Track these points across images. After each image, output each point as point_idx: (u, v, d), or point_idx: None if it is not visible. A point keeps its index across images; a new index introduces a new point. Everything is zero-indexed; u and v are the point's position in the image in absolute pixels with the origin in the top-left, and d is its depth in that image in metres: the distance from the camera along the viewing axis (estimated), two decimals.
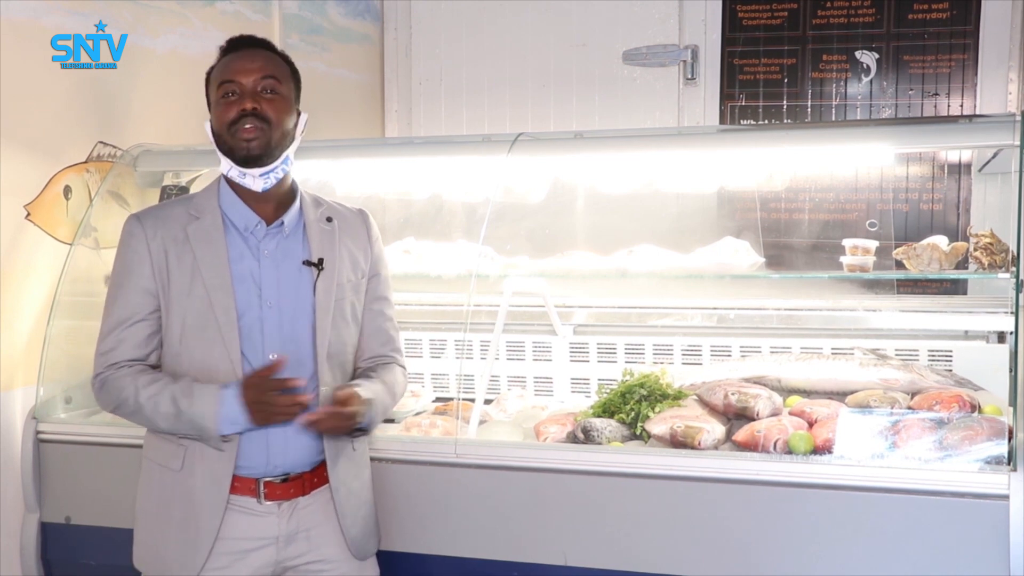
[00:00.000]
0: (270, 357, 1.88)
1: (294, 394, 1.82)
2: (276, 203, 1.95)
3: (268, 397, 1.81)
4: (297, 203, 1.97)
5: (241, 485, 1.90)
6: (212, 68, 1.95)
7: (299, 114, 1.98)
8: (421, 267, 2.81)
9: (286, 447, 1.90)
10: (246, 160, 1.88)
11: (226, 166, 1.92)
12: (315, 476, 1.96)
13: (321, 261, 1.94)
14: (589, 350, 3.06)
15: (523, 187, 2.93)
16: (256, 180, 1.90)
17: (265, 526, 1.91)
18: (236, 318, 1.87)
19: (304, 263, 1.93)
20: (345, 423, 1.86)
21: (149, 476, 1.97)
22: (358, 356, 2.05)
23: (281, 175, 1.93)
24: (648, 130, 3.68)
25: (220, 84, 1.89)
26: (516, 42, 4.23)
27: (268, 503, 1.91)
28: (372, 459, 2.14)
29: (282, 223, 1.94)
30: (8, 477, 2.67)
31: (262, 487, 1.90)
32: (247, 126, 1.86)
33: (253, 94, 1.87)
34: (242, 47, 1.93)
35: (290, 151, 1.94)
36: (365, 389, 1.91)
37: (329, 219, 2.00)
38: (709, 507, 2.20)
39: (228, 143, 1.89)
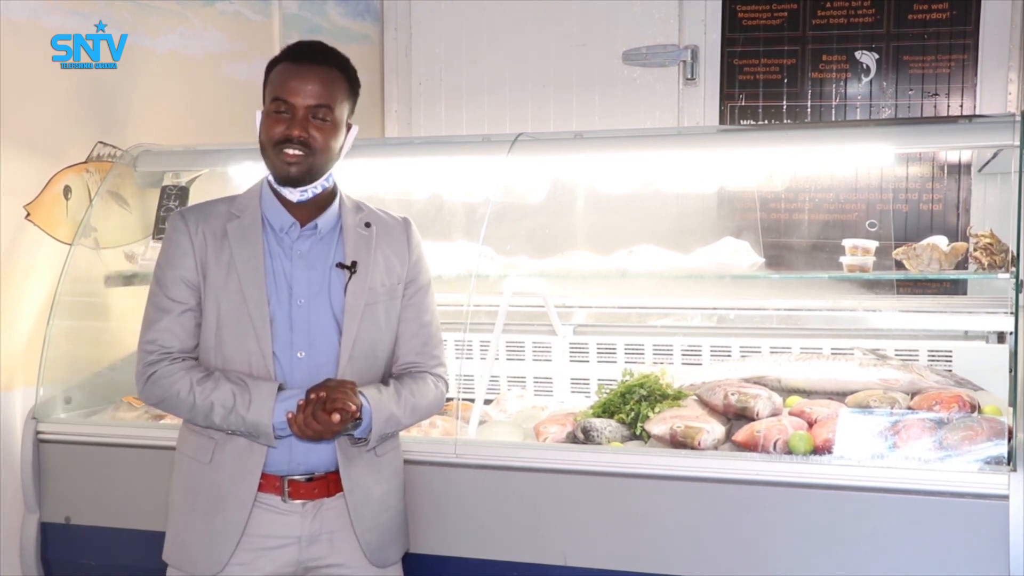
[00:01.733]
0: (298, 355, 1.90)
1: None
2: (316, 207, 1.96)
3: (317, 423, 1.81)
4: (335, 206, 1.98)
5: (266, 482, 1.91)
6: (274, 63, 1.93)
7: (349, 128, 1.98)
8: None
9: (308, 446, 1.91)
10: (284, 181, 1.91)
11: (268, 171, 1.95)
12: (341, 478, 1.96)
13: (354, 264, 1.94)
14: (589, 350, 3.06)
15: (523, 187, 2.93)
16: (293, 193, 1.93)
17: (288, 524, 1.92)
18: (268, 313, 1.89)
19: (337, 265, 1.94)
20: (322, 427, 1.81)
21: (179, 469, 1.99)
22: (393, 362, 2.04)
23: (319, 190, 1.95)
24: (648, 130, 3.68)
25: (274, 99, 1.89)
26: (516, 42, 4.23)
27: (293, 502, 1.92)
28: None
29: (316, 225, 1.95)
30: (8, 477, 2.67)
31: (287, 485, 1.91)
32: (290, 151, 1.87)
33: (303, 122, 1.87)
34: (304, 60, 1.90)
35: (333, 167, 1.96)
36: (368, 393, 1.89)
37: (367, 224, 2.01)
38: (709, 507, 2.20)
39: (271, 158, 1.91)
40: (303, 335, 1.91)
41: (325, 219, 1.96)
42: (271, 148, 1.89)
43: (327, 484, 1.94)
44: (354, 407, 1.83)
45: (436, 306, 2.10)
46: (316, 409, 1.80)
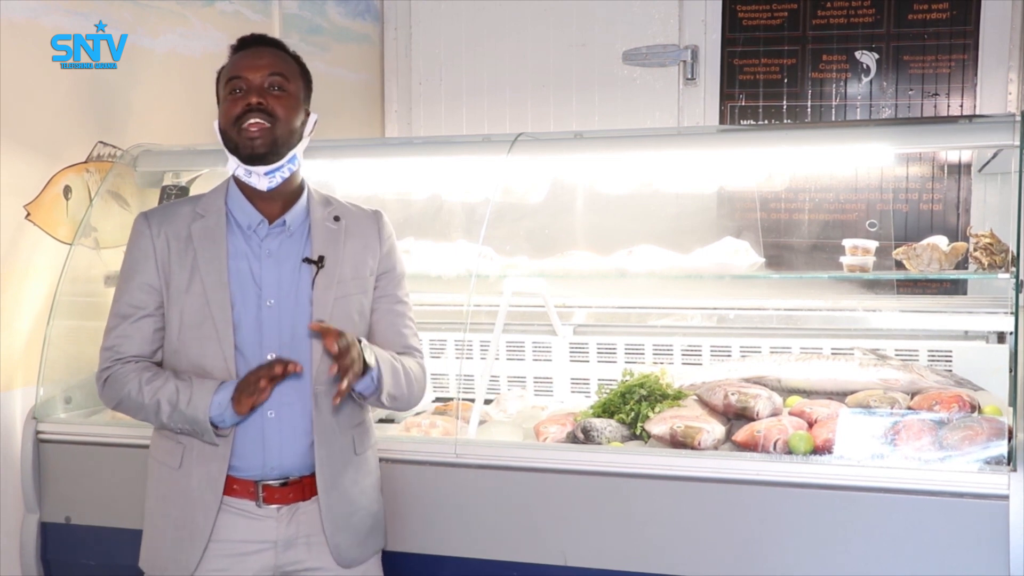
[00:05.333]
0: (268, 357, 1.88)
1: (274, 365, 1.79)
2: (283, 202, 1.94)
3: (249, 377, 1.81)
4: (303, 202, 1.96)
5: (240, 488, 1.89)
6: (223, 67, 1.95)
7: (308, 114, 1.97)
8: (421, 267, 2.81)
9: (282, 448, 1.90)
10: (251, 158, 1.87)
11: (232, 164, 1.92)
12: (316, 482, 1.94)
13: (322, 259, 1.92)
14: (589, 350, 3.06)
15: (523, 187, 2.93)
16: (262, 179, 1.90)
17: (263, 529, 1.91)
18: (232, 316, 1.87)
19: (304, 260, 1.92)
20: (350, 352, 1.77)
21: (151, 474, 1.98)
22: None
23: (287, 174, 1.92)
24: (648, 130, 3.68)
25: (228, 81, 1.90)
26: (516, 42, 4.23)
27: (267, 507, 1.90)
28: None
29: (284, 222, 1.93)
30: (8, 477, 2.67)
31: (260, 490, 1.90)
32: (252, 121, 1.85)
33: (260, 90, 1.87)
34: (251, 45, 1.94)
35: (298, 150, 1.94)
36: (368, 348, 1.86)
37: (337, 218, 1.99)
38: (709, 507, 2.20)
39: (234, 139, 1.88)
40: (273, 336, 1.89)
41: (293, 215, 1.94)
42: (232, 128, 1.87)
43: (302, 488, 1.93)
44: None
45: (410, 296, 2.09)
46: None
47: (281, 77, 1.89)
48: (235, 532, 1.89)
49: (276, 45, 1.96)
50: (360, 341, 1.84)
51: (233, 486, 1.89)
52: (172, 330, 1.91)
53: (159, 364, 1.94)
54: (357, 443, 1.99)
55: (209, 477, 1.88)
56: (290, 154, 1.91)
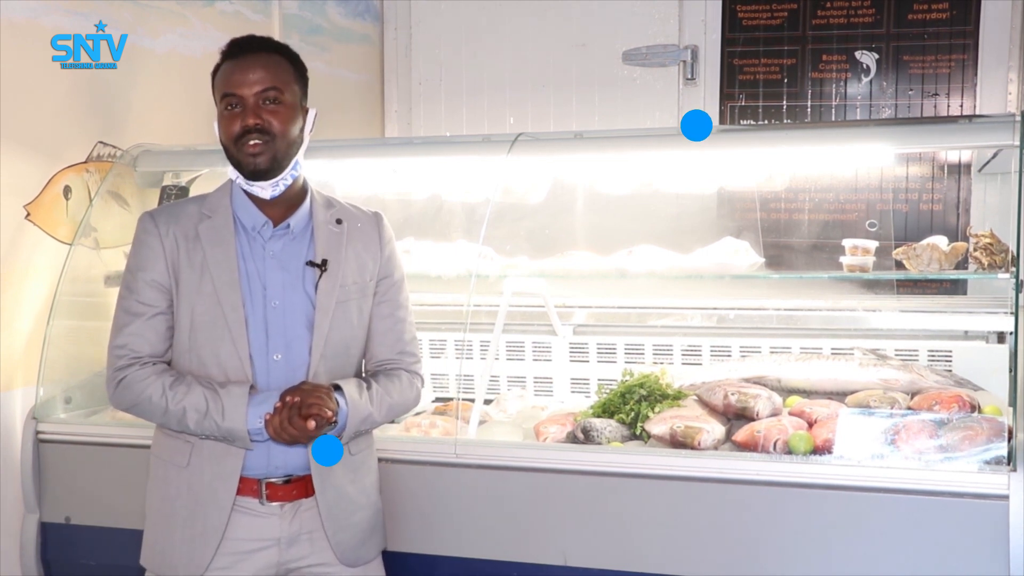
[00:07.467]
0: (275, 358, 1.89)
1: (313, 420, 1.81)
2: (287, 205, 1.94)
3: (293, 428, 1.81)
4: (307, 204, 1.97)
5: (244, 486, 1.90)
6: (217, 67, 1.93)
7: (306, 112, 1.96)
8: (421, 267, 2.81)
9: (287, 447, 1.90)
10: (253, 174, 1.88)
11: (234, 174, 1.93)
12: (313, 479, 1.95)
13: (325, 262, 1.93)
14: (589, 350, 3.06)
15: (523, 187, 2.93)
16: (265, 189, 1.91)
17: (267, 527, 1.91)
18: (244, 315, 1.87)
19: (307, 263, 1.92)
20: (297, 433, 1.81)
21: (155, 473, 1.97)
22: (366, 360, 2.04)
23: (290, 181, 1.92)
24: (648, 130, 3.67)
25: (223, 96, 1.89)
26: (516, 42, 4.23)
27: (270, 504, 1.91)
28: None
29: (288, 225, 1.93)
30: (8, 477, 2.67)
31: (264, 488, 1.90)
32: (252, 142, 1.85)
33: (255, 109, 1.86)
34: (242, 53, 1.90)
35: (299, 155, 1.94)
36: (347, 391, 1.88)
37: (339, 221, 1.99)
38: (709, 507, 2.20)
39: (235, 156, 1.89)
40: (279, 337, 1.89)
41: (297, 218, 1.94)
42: (233, 146, 1.88)
43: (305, 485, 1.93)
44: (330, 412, 1.82)
45: (410, 301, 2.09)
46: (292, 414, 1.80)
47: (275, 91, 1.87)
48: (238, 531, 1.90)
49: (267, 47, 1.92)
50: (337, 388, 1.88)
51: (238, 484, 1.89)
52: (182, 330, 1.90)
53: (168, 363, 1.94)
54: (351, 443, 1.98)
55: (222, 475, 1.88)
56: (292, 162, 1.92)
